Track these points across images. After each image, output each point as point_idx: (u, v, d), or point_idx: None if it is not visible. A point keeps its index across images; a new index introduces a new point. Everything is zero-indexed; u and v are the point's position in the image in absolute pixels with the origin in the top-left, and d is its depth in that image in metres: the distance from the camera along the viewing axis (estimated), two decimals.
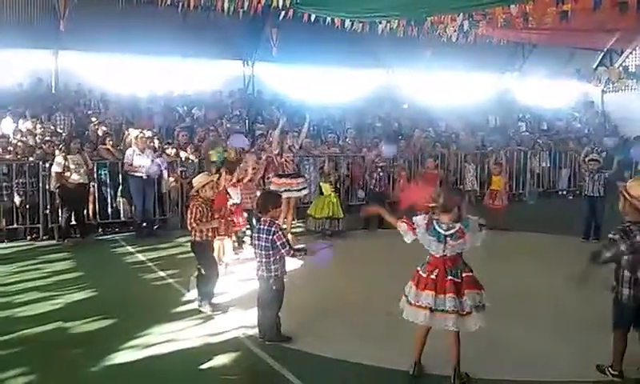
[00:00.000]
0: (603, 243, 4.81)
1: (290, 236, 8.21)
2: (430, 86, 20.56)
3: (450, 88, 20.86)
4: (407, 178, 12.51)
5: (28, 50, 15.52)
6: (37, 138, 12.03)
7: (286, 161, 10.04)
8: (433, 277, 4.52)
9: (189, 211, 6.52)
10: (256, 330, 5.64)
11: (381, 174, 11.80)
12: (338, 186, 12.27)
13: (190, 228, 6.51)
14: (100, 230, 11.25)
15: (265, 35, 17.51)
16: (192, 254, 6.72)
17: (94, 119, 13.68)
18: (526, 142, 17.35)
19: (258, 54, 18.27)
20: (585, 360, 4.96)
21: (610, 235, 4.60)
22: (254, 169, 9.40)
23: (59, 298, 7.04)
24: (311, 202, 11.28)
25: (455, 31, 14.61)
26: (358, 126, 16.16)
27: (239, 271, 7.87)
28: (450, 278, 4.47)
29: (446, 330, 4.52)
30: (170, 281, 7.81)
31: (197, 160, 11.79)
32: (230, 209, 8.25)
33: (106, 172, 11.27)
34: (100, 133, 12.47)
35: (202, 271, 6.52)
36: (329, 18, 13.26)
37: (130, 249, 9.90)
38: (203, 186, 6.55)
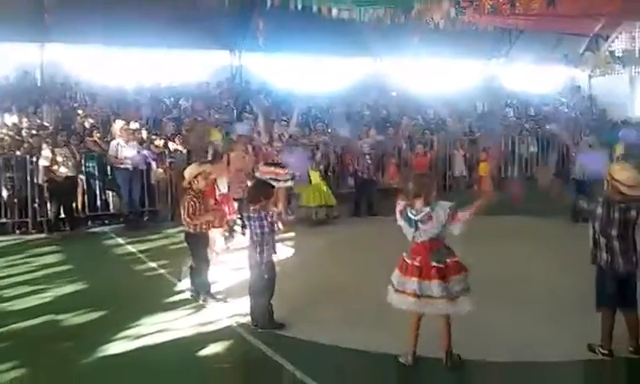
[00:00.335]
0: (588, 199, 5.11)
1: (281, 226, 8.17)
2: (417, 73, 20.55)
3: (438, 75, 20.85)
4: (397, 164, 12.54)
5: (13, 42, 15.36)
6: (23, 131, 11.91)
7: (276, 150, 10.02)
8: (417, 263, 4.55)
9: (182, 207, 6.46)
10: (248, 318, 5.65)
11: (369, 161, 11.80)
12: (329, 173, 12.25)
13: (184, 223, 6.47)
14: (89, 222, 11.19)
15: (252, 25, 17.39)
16: (183, 245, 6.71)
17: (80, 112, 13.58)
18: (512, 127, 17.38)
19: (246, 44, 18.14)
20: (576, 340, 4.99)
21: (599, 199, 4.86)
22: (243, 157, 9.37)
23: (49, 291, 7.00)
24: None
25: (442, 18, 14.58)
26: (346, 114, 16.12)
27: (230, 260, 7.83)
28: (434, 264, 4.50)
29: (437, 315, 4.55)
30: (162, 271, 7.79)
31: (185, 151, 11.73)
32: (217, 199, 8.21)
33: (94, 164, 11.20)
34: (87, 125, 12.40)
35: (193, 264, 6.51)
36: (315, 7, 13.19)
37: (119, 240, 9.85)
38: (195, 177, 6.46)
